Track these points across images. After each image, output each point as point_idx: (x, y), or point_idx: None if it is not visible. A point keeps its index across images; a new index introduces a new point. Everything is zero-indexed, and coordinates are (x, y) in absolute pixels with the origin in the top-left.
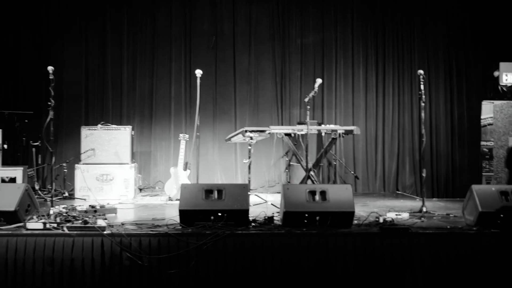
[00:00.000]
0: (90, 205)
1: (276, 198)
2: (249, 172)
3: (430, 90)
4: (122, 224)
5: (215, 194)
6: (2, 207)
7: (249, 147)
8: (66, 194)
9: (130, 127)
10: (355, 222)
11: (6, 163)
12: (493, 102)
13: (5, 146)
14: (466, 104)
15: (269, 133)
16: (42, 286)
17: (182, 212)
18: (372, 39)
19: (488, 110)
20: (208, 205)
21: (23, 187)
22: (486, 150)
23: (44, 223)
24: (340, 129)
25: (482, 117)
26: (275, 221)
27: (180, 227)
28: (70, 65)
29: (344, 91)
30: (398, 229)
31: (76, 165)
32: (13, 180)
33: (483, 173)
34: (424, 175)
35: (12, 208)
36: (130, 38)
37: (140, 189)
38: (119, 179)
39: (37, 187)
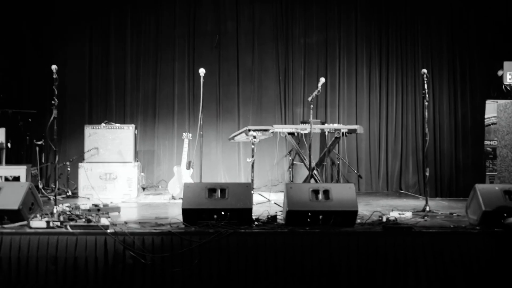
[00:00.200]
0: (93, 204)
1: (279, 197)
2: (252, 171)
3: (433, 90)
4: (125, 222)
5: (218, 193)
6: (6, 205)
7: (252, 146)
8: (70, 193)
9: (134, 126)
10: (358, 221)
11: (9, 162)
12: (497, 101)
13: (9, 145)
14: (469, 104)
15: (272, 132)
16: (46, 285)
17: (185, 211)
18: (375, 39)
19: (492, 109)
20: (211, 204)
21: (26, 186)
22: (490, 149)
23: (48, 222)
24: (344, 128)
25: (485, 116)
26: (278, 220)
27: (183, 226)
28: (74, 64)
29: (348, 90)
30: (401, 228)
31: (79, 164)
32: (16, 178)
33: (487, 173)
34: (427, 174)
35: (15, 207)
36: (134, 37)
37: (143, 188)
38: (123, 178)
39: (40, 186)
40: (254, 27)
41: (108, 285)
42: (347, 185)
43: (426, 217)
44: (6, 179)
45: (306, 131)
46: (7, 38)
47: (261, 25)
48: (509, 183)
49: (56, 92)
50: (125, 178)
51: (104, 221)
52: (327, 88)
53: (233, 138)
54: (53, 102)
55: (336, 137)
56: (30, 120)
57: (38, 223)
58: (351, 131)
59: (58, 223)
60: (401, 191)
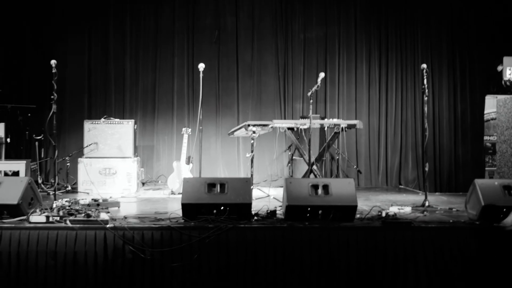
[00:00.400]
0: (93, 199)
1: (278, 192)
2: (252, 166)
3: (433, 85)
4: (125, 217)
5: (218, 188)
6: (5, 200)
7: (252, 141)
8: (69, 188)
9: (133, 121)
10: (358, 216)
11: (9, 157)
12: (496, 97)
13: (8, 139)
14: (469, 99)
15: (271, 127)
16: (45, 279)
17: (184, 206)
18: (375, 34)
19: (491, 104)
20: (211, 199)
21: (26, 181)
22: (489, 144)
23: (47, 217)
24: (343, 123)
25: (485, 111)
26: (277, 215)
27: (183, 220)
28: (73, 59)
29: (347, 85)
30: (401, 223)
31: (79, 159)
32: (16, 173)
33: (486, 168)
34: (427, 169)
35: (15, 202)
36: (133, 33)
37: (143, 183)
38: (122, 173)
39: (40, 181)
40: (253, 23)
41: (108, 280)
42: (347, 180)
43: (425, 212)
44: (6, 174)
45: (305, 126)
46: (7, 32)
47: (260, 21)
48: (509, 178)
49: (55, 87)
50: (124, 173)
51: (103, 216)
52: (326, 83)
53: (232, 133)
54: (52, 97)
55: (335, 132)
56: (29, 115)
57: (37, 218)
58: (350, 126)
59: (58, 218)
60: (400, 186)
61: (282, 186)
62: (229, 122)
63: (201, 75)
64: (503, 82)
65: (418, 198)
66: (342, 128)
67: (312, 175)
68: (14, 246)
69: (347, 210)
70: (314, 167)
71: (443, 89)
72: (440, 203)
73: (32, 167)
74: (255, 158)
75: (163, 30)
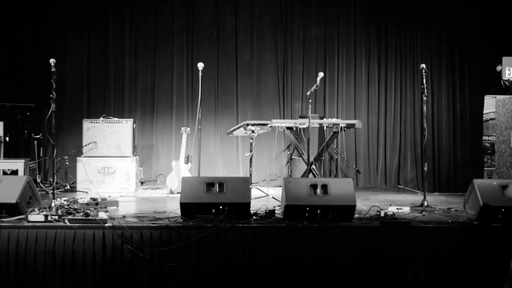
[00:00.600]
0: (91, 198)
1: (277, 192)
2: (251, 166)
3: (432, 85)
4: (124, 216)
5: (217, 187)
6: (4, 199)
7: (251, 141)
8: (68, 187)
9: (132, 120)
10: (356, 216)
11: (8, 156)
12: (495, 97)
13: (7, 138)
14: (468, 99)
15: (270, 126)
16: (44, 278)
17: (183, 205)
18: (374, 34)
19: (491, 104)
20: (209, 198)
21: (24, 180)
22: (488, 144)
23: (46, 216)
24: (342, 123)
25: (484, 111)
26: (276, 215)
27: (181, 220)
28: (73, 58)
29: (346, 85)
30: (399, 223)
31: (77, 158)
32: (15, 172)
33: (485, 168)
34: (425, 169)
35: (13, 201)
36: (133, 32)
37: (142, 182)
38: (121, 172)
39: (38, 180)
40: (253, 22)
41: (106, 279)
42: (345, 180)
43: (424, 212)
44: (4, 172)
45: (304, 126)
46: (6, 32)
47: (260, 20)
48: (507, 178)
49: (54, 86)
50: (123, 172)
51: (102, 215)
52: (325, 83)
53: (231, 132)
54: (51, 96)
55: (334, 132)
56: (28, 114)
57: (36, 217)
58: (349, 126)
59: (56, 217)
60: (399, 186)
61: (281, 186)
62: (228, 122)
63: (200, 74)
64: (502, 82)
65: (417, 198)
66: (341, 127)
67: (311, 175)
68: (12, 245)
69: (346, 209)
70: (313, 166)
71: (442, 89)
72: (439, 203)
73: (31, 166)
74: (254, 157)
75: (162, 29)
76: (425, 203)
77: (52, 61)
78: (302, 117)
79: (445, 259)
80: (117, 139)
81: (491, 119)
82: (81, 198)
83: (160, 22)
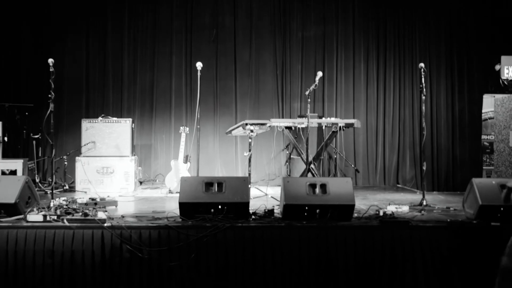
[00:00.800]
0: (90, 198)
1: (276, 191)
2: (250, 165)
3: (431, 84)
4: (122, 216)
5: (215, 187)
6: (3, 199)
7: (250, 140)
8: (67, 187)
9: (131, 119)
10: (355, 215)
11: (6, 156)
12: (494, 96)
13: (6, 138)
14: (467, 98)
15: (269, 126)
16: (43, 278)
17: (182, 205)
18: (373, 33)
19: (489, 103)
20: (208, 198)
21: (23, 180)
22: (487, 143)
23: (45, 216)
24: (341, 122)
25: (483, 110)
26: (275, 214)
27: (180, 219)
28: (71, 58)
29: (345, 84)
30: (398, 222)
31: (76, 157)
32: (13, 172)
33: (484, 167)
34: (424, 168)
35: (12, 201)
36: (131, 31)
37: (141, 182)
38: (120, 172)
39: (37, 180)
40: (251, 21)
41: (105, 279)
42: (344, 179)
43: (423, 211)
44: (3, 172)
45: (303, 125)
46: (4, 31)
47: (258, 19)
48: (506, 177)
49: (52, 86)
50: (122, 172)
51: (101, 215)
52: (324, 82)
53: (230, 132)
54: (50, 96)
55: (333, 131)
56: (27, 113)
57: (35, 216)
58: (348, 125)
59: (55, 217)
60: (398, 185)
61: (279, 185)
62: (227, 121)
63: (199, 74)
64: (501, 81)
65: (416, 197)
66: (340, 127)
67: (309, 174)
68: (11, 245)
69: (345, 209)
70: (312, 166)
71: (441, 88)
72: (438, 202)
73: (29, 166)
74: (253, 157)
75: (161, 29)
76: (424, 202)
77: (50, 61)
78: (301, 116)
79: (444, 258)
80: (116, 139)
81: (490, 118)
82: (80, 198)
83: (158, 21)
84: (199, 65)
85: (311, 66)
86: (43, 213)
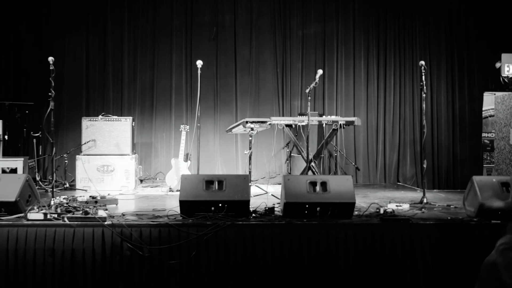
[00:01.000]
0: (91, 196)
1: (276, 189)
2: (250, 163)
3: (431, 82)
4: (123, 214)
5: (216, 185)
6: (3, 197)
7: (250, 138)
8: (67, 185)
9: (131, 118)
10: (356, 213)
11: (7, 154)
12: (494, 94)
13: (6, 137)
14: (467, 96)
15: (270, 124)
16: (43, 277)
17: (182, 203)
18: (373, 31)
19: (490, 101)
20: (209, 196)
21: (23, 178)
22: (487, 141)
23: (45, 214)
24: (341, 120)
25: (483, 108)
26: (275, 212)
27: (181, 218)
28: (71, 56)
29: (345, 82)
30: (399, 220)
31: (77, 156)
32: (14, 171)
33: (484, 165)
34: (425, 166)
35: (12, 199)
36: (131, 30)
37: (141, 180)
38: (120, 170)
39: (38, 178)
40: (252, 19)
41: (106, 277)
42: (345, 177)
43: (423, 209)
44: (3, 171)
45: (303, 123)
46: (5, 29)
47: (259, 17)
48: (507, 175)
49: (53, 84)
50: (122, 170)
51: (101, 213)
52: (324, 80)
53: (230, 130)
54: (50, 94)
55: (333, 129)
56: (27, 112)
57: (35, 215)
58: (348, 123)
59: (56, 215)
60: (398, 183)
61: (280, 183)
62: (227, 119)
63: (199, 72)
64: (501, 79)
65: (416, 195)
66: (340, 125)
67: (310, 172)
68: (12, 244)
69: (345, 207)
70: (312, 164)
71: (441, 86)
72: (438, 200)
73: (30, 164)
74: (253, 155)
75: (161, 27)
76: (425, 200)
77: (50, 59)
78: (301, 114)
79: (444, 256)
80: (116, 137)
81: (490, 116)
82: (80, 196)
83: (158, 19)
84: (199, 63)
85: (311, 64)
86: (43, 211)
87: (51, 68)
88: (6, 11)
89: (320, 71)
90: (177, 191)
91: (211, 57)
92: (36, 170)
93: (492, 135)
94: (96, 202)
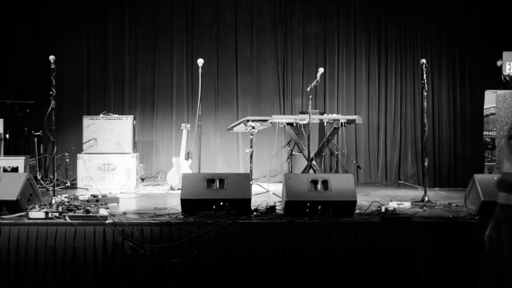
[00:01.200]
0: (92, 195)
1: (278, 188)
2: (251, 162)
3: (432, 80)
4: (124, 213)
5: (217, 183)
6: (4, 196)
7: (251, 137)
8: (68, 184)
9: (132, 116)
10: (357, 211)
11: (8, 153)
12: (496, 92)
13: (7, 135)
14: (468, 94)
15: (271, 122)
16: (44, 275)
17: (183, 202)
18: (374, 29)
19: (491, 99)
20: (210, 194)
21: (25, 177)
22: (489, 139)
23: (46, 213)
24: (342, 118)
25: (484, 106)
26: (277, 210)
27: (182, 216)
28: (72, 55)
29: (346, 80)
30: (400, 218)
31: (78, 154)
32: (15, 169)
33: (486, 163)
34: (426, 164)
35: (14, 198)
36: (132, 28)
37: (142, 179)
38: (121, 169)
39: (39, 177)
40: (252, 18)
41: (107, 276)
42: (346, 176)
43: (425, 207)
44: (5, 170)
45: (305, 122)
46: (6, 29)
47: (260, 16)
48: None
49: (54, 83)
50: (123, 169)
51: (103, 211)
52: (326, 78)
53: (231, 128)
54: (51, 92)
55: (335, 128)
56: (28, 111)
57: (36, 213)
58: (350, 122)
59: (57, 214)
60: (400, 181)
61: (281, 182)
62: (228, 118)
63: (200, 70)
64: (502, 77)
65: (418, 193)
66: (341, 123)
67: (311, 171)
68: (13, 242)
69: (347, 205)
70: (314, 162)
71: (443, 84)
72: (440, 198)
73: (31, 163)
74: (254, 153)
75: (162, 25)
76: (426, 198)
77: (51, 58)
78: (302, 113)
79: (445, 254)
80: (117, 136)
81: (492, 114)
82: (81, 195)
83: (159, 18)
84: (200, 61)
85: (312, 63)
86: (45, 210)
87: (52, 67)
88: (6, 11)
89: (321, 70)
90: (178, 189)
91: (212, 55)
92: (37, 168)
93: (493, 133)
94: (97, 200)
